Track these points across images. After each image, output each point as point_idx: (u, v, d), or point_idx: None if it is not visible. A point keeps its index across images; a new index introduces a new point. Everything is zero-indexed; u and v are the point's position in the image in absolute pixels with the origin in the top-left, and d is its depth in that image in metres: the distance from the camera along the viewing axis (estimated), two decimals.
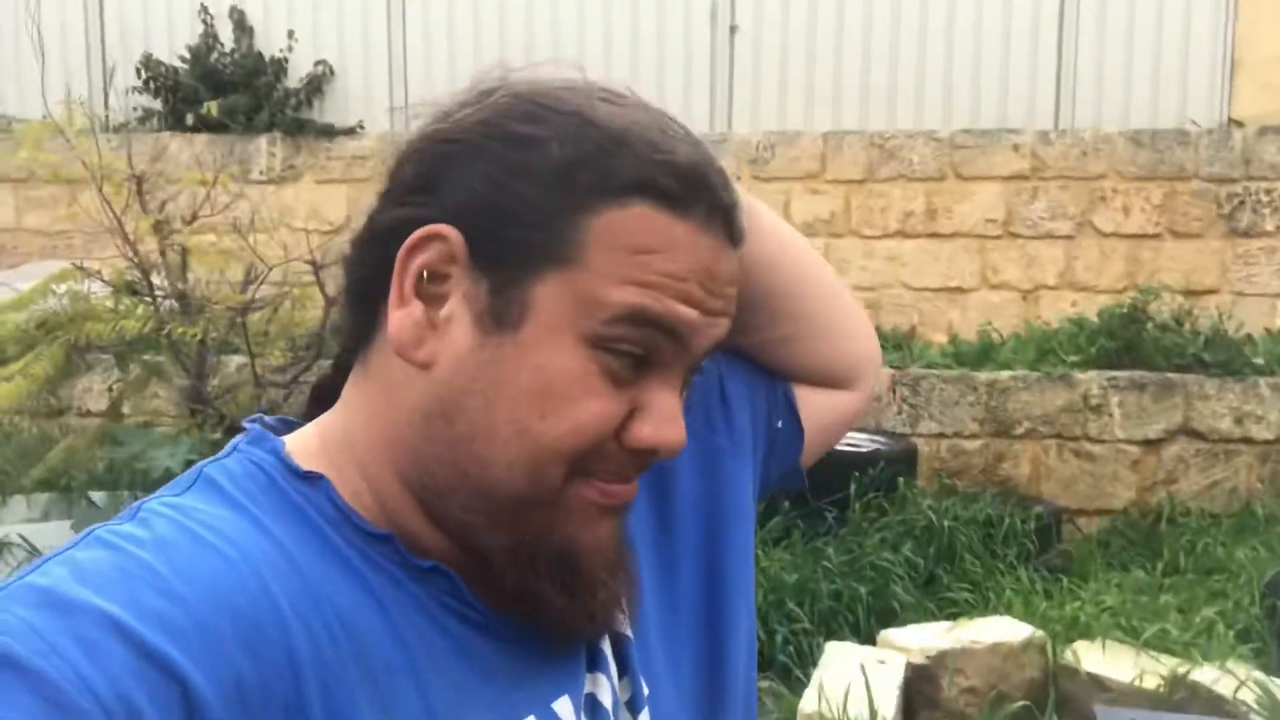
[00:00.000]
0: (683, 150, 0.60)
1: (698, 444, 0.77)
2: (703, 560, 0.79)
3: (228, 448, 0.63)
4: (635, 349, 0.59)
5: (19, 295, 3.84)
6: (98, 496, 4.41)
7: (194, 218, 3.79)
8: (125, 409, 4.56)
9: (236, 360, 4.89)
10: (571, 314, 0.58)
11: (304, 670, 0.53)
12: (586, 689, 0.67)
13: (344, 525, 0.60)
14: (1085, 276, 6.12)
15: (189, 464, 3.23)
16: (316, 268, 3.74)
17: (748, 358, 0.85)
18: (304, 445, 0.64)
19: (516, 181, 0.58)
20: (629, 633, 0.70)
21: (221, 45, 6.77)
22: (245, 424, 0.66)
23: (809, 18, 6.45)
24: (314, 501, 0.60)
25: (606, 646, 0.69)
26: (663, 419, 0.61)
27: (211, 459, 0.62)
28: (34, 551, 4.02)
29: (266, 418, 0.67)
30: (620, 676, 0.69)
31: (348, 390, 0.67)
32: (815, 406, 0.87)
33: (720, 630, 0.78)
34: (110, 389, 4.61)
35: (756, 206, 0.77)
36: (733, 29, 6.46)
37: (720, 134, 6.39)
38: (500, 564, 0.62)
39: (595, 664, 0.68)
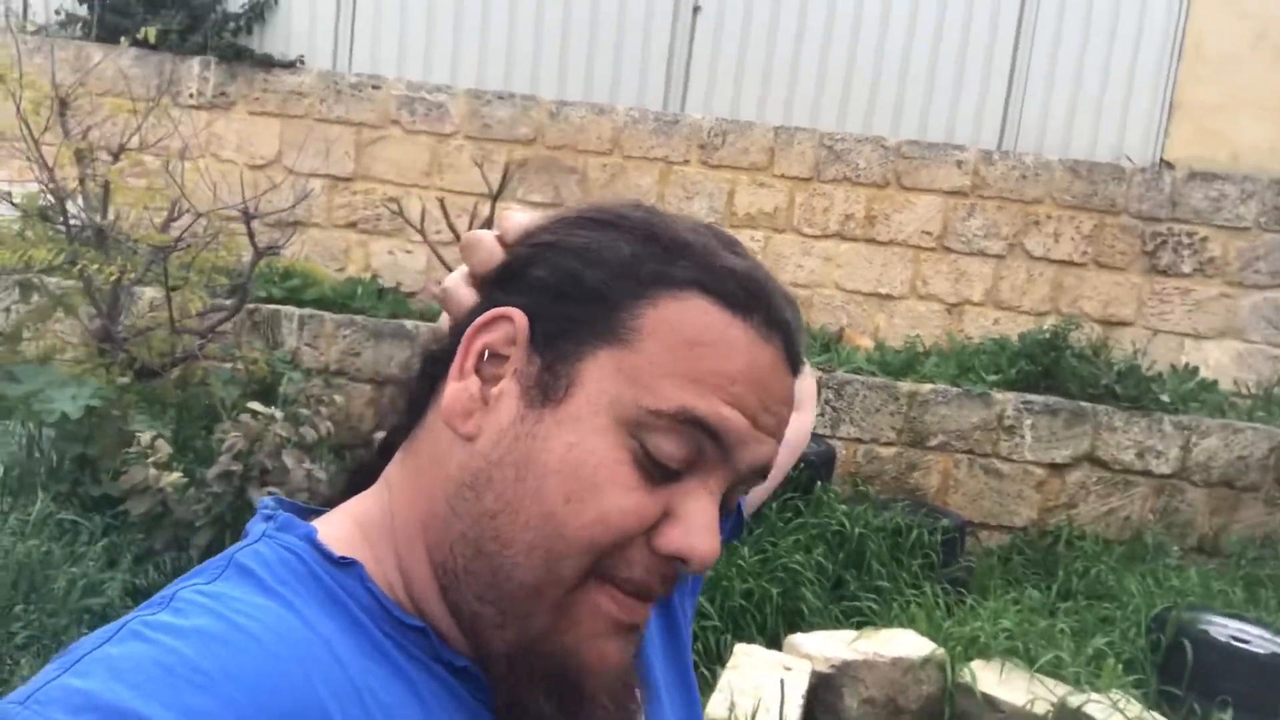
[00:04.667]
0: (747, 264, 0.62)
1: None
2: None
3: (254, 533, 0.62)
4: (675, 450, 0.57)
5: None
6: None
7: (120, 150, 3.57)
8: (25, 335, 4.31)
9: (150, 293, 4.66)
10: (615, 394, 0.57)
11: None
12: None
13: (380, 615, 0.59)
14: (1010, 296, 6.28)
15: (91, 410, 3.06)
16: (248, 218, 3.57)
17: None
18: (337, 531, 0.63)
19: (584, 269, 0.60)
20: None
21: None
22: (261, 505, 0.64)
23: (773, 6, 6.40)
24: (350, 589, 0.59)
25: None
26: (696, 527, 0.58)
27: (240, 545, 0.61)
28: None
29: (270, 501, 0.65)
30: None
31: (391, 469, 0.66)
32: None
33: None
34: (7, 311, 4.35)
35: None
36: (696, 9, 6.37)
37: (673, 114, 6.32)
38: (497, 671, 0.59)
39: None
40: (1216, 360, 6.09)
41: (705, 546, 0.58)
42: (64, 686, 0.47)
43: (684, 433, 0.57)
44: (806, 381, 0.88)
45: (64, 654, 0.50)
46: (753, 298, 0.60)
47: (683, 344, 0.58)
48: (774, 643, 3.82)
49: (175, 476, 2.90)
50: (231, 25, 6.37)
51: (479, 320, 0.61)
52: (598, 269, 0.60)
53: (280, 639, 0.53)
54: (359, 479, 0.69)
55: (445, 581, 0.60)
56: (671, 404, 0.56)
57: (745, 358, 0.59)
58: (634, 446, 0.57)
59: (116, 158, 3.58)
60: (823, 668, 3.51)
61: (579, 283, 0.60)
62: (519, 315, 0.60)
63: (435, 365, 0.65)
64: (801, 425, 0.96)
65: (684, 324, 0.58)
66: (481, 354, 0.61)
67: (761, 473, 0.62)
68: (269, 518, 0.63)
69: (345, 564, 0.60)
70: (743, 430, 0.58)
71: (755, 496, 0.94)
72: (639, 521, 0.57)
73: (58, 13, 6.42)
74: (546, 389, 0.59)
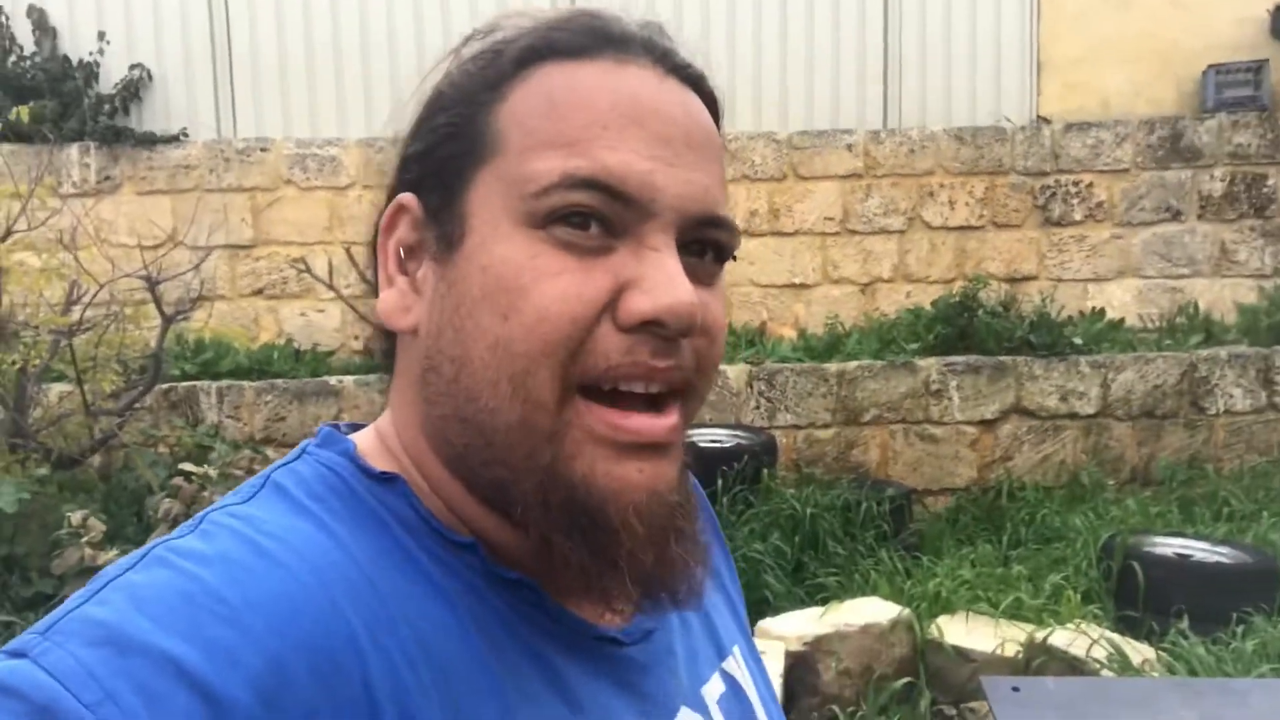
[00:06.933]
0: (574, 10, 0.59)
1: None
2: None
3: (296, 450, 0.60)
4: (583, 210, 0.53)
5: None
6: None
7: (7, 234, 3.46)
8: None
9: (59, 388, 4.53)
10: (503, 201, 0.54)
11: (381, 700, 0.49)
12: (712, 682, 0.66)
13: (424, 532, 0.56)
14: (917, 268, 6.45)
15: (20, 502, 2.92)
16: (152, 284, 3.49)
17: None
18: (373, 444, 0.61)
19: (435, 116, 0.59)
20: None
21: (20, 48, 6.24)
22: (318, 429, 0.63)
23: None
24: (391, 506, 0.57)
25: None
26: (657, 283, 0.53)
27: (279, 462, 0.59)
28: None
29: (326, 427, 0.63)
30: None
31: (389, 393, 0.65)
32: None
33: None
34: None
35: None
36: None
37: None
38: (530, 522, 0.55)
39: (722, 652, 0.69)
40: (1119, 299, 6.35)
41: (670, 296, 0.52)
42: (84, 617, 0.45)
43: (580, 194, 0.53)
44: None
45: (90, 582, 0.49)
46: (590, 34, 0.57)
47: (540, 117, 0.55)
48: None
49: (113, 554, 2.80)
50: (107, 107, 6.24)
51: (381, 224, 0.59)
52: (448, 107, 0.58)
53: (308, 563, 0.50)
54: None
55: (456, 469, 0.57)
56: (550, 176, 0.53)
57: (607, 92, 0.55)
58: (545, 236, 0.53)
59: (4, 239, 3.48)
60: (796, 646, 3.53)
61: (439, 131, 0.58)
62: (408, 197, 0.59)
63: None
64: None
65: (534, 98, 0.55)
66: (399, 254, 0.59)
67: (707, 220, 0.56)
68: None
69: (387, 479, 0.57)
70: (640, 169, 0.53)
71: None
72: (582, 302, 0.53)
73: None
74: (447, 239, 0.56)
